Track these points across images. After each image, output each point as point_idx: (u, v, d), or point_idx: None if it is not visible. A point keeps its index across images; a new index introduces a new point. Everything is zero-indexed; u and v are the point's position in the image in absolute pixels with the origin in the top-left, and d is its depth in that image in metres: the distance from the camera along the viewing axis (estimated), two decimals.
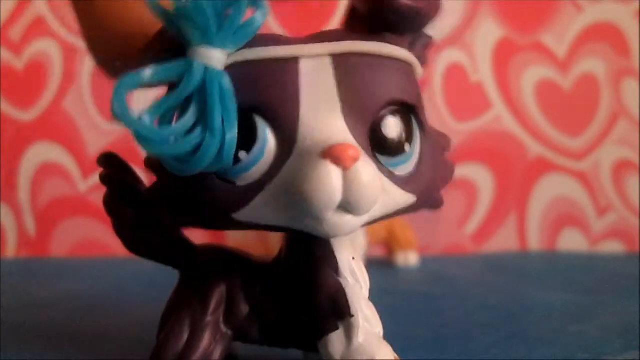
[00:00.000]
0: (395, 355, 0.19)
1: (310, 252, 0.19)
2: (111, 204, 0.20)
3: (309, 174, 0.16)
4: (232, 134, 0.16)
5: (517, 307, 0.33)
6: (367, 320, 0.19)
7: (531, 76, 0.53)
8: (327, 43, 0.17)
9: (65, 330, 0.29)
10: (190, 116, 0.16)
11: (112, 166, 0.20)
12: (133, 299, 0.35)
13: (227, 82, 0.16)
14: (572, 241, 0.54)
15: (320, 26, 0.50)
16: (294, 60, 0.17)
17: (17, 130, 0.51)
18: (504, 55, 0.53)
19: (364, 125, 0.17)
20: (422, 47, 0.20)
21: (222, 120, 0.16)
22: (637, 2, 0.53)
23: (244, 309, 0.20)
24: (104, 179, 0.20)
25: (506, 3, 0.53)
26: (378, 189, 0.16)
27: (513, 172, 0.54)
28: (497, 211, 0.54)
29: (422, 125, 0.19)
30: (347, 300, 0.18)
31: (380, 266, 0.46)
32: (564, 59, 0.53)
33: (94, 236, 0.52)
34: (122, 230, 0.20)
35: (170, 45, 0.16)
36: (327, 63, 0.17)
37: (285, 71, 0.17)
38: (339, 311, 0.18)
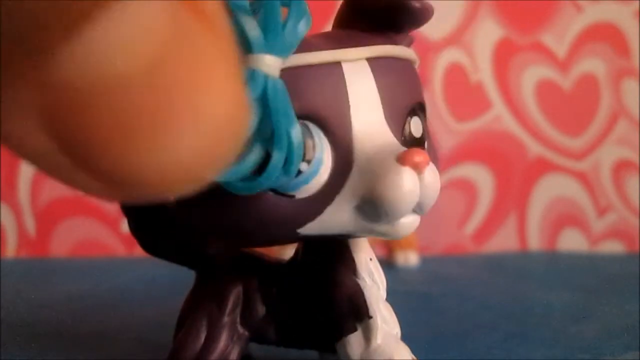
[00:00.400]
0: (413, 356, 0.19)
1: (327, 253, 0.19)
2: (126, 204, 0.19)
3: (392, 180, 0.15)
4: (298, 144, 0.15)
5: (517, 307, 0.33)
6: (385, 322, 0.19)
7: (531, 76, 0.53)
8: (362, 47, 0.17)
9: (65, 330, 0.29)
10: (257, 140, 0.14)
11: None
12: (133, 299, 0.35)
13: (284, 89, 0.15)
14: (572, 241, 0.54)
15: (321, 24, 0.50)
16: (338, 65, 0.16)
17: None
18: (504, 55, 0.53)
19: (399, 126, 0.17)
20: (409, 45, 0.20)
21: (287, 132, 0.15)
22: (637, 2, 0.53)
23: (261, 309, 0.20)
24: None
25: (506, 3, 0.53)
26: (439, 188, 0.17)
27: (513, 172, 0.54)
28: (497, 211, 0.54)
29: (426, 127, 0.19)
30: (365, 302, 0.18)
31: (380, 266, 0.46)
32: (564, 59, 0.53)
33: (94, 236, 0.52)
34: (138, 230, 0.20)
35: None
36: (365, 66, 0.17)
37: (332, 75, 0.16)
38: (357, 312, 0.18)
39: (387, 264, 0.46)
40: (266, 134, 0.14)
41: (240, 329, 0.20)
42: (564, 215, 0.54)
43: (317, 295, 0.19)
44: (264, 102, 0.14)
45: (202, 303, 0.20)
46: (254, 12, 0.14)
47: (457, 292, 0.37)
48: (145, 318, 0.30)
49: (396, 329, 0.19)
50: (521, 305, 0.33)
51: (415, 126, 0.18)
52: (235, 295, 0.20)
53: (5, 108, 0.08)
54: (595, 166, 0.54)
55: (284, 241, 0.18)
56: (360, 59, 0.17)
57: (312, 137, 0.16)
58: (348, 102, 0.16)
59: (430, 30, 0.52)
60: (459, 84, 0.53)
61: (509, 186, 0.54)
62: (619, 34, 0.53)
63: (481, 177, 0.53)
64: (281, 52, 0.15)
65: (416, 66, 0.19)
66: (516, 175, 0.54)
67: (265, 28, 0.14)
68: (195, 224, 0.17)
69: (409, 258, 0.46)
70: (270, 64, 0.14)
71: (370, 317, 0.18)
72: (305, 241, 0.19)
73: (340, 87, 0.16)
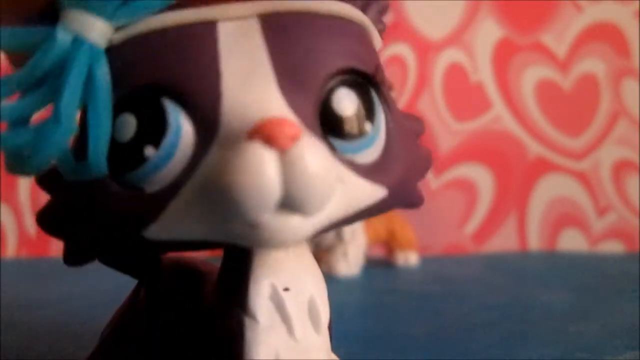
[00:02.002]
0: None
1: (225, 275, 0.14)
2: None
3: (234, 162, 0.11)
4: (100, 129, 0.12)
5: (517, 307, 0.33)
6: None
7: (531, 76, 0.53)
8: (251, 1, 0.13)
9: (65, 330, 0.29)
10: (36, 98, 0.12)
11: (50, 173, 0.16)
12: None
13: (102, 62, 0.12)
14: (572, 241, 0.54)
15: None
16: (210, 25, 0.13)
17: None
18: (504, 55, 0.53)
19: (309, 100, 0.13)
20: (378, 12, 0.16)
21: (87, 109, 0.12)
22: (637, 2, 0.53)
23: (172, 346, 0.15)
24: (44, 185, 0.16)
25: (506, 3, 0.53)
26: (330, 177, 0.12)
27: (513, 172, 0.54)
28: (497, 211, 0.54)
29: (386, 101, 0.14)
30: (242, 351, 0.13)
31: (380, 266, 0.46)
32: (564, 59, 0.53)
33: None
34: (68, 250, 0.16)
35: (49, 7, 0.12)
36: (254, 25, 0.13)
37: (198, 38, 0.13)
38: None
39: (387, 264, 0.46)
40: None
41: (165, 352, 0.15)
42: (564, 215, 0.54)
43: (192, 337, 0.14)
44: (61, 70, 0.12)
45: (130, 317, 0.17)
46: None
47: (457, 292, 0.37)
48: None
49: None
50: (521, 305, 0.33)
51: (345, 101, 0.13)
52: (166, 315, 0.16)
53: None
54: (595, 166, 0.54)
55: (139, 247, 0.13)
56: (246, 16, 0.13)
57: (163, 115, 0.12)
58: (218, 70, 0.12)
59: (430, 30, 0.52)
60: (459, 84, 0.53)
61: (509, 186, 0.54)
62: (619, 34, 0.53)
63: (481, 177, 0.53)
64: (115, 15, 0.12)
65: (373, 33, 0.15)
66: (516, 175, 0.54)
67: None
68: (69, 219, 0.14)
69: (409, 258, 0.46)
70: (86, 24, 0.12)
71: None
72: (224, 262, 0.15)
73: (210, 51, 0.13)
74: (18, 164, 0.12)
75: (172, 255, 0.16)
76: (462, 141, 0.53)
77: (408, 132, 0.15)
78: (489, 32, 0.53)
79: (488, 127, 0.53)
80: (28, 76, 0.12)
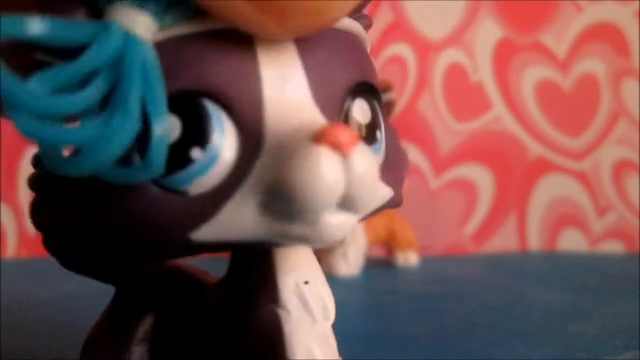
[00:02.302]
0: None
1: (247, 274, 0.15)
2: (38, 222, 0.16)
3: (302, 164, 0.12)
4: (161, 127, 0.12)
5: (517, 307, 0.33)
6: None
7: (531, 76, 0.53)
8: None
9: (65, 329, 0.28)
10: (92, 92, 0.11)
11: (41, 178, 0.16)
12: None
13: (153, 55, 0.12)
14: (572, 241, 0.54)
15: None
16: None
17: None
18: (504, 55, 0.53)
19: (337, 110, 0.14)
20: (366, 27, 0.17)
21: (145, 106, 0.12)
22: (637, 2, 0.53)
23: (173, 343, 0.16)
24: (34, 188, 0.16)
25: (506, 3, 0.53)
26: (376, 178, 0.13)
27: (513, 172, 0.54)
28: (497, 211, 0.54)
29: (382, 109, 0.16)
30: (283, 339, 0.14)
31: (380, 266, 0.46)
32: (564, 59, 0.53)
33: None
34: (48, 243, 0.17)
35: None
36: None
37: (239, 45, 0.13)
38: (272, 353, 0.14)
39: (387, 264, 0.46)
40: (115, 104, 0.11)
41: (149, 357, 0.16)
42: (564, 215, 0.54)
43: (228, 331, 0.15)
44: (116, 66, 0.12)
45: (109, 329, 0.17)
46: None
47: (457, 292, 0.37)
48: None
49: None
50: (521, 305, 0.33)
51: (361, 110, 0.15)
52: (147, 323, 0.16)
53: None
54: (595, 166, 0.54)
55: (175, 251, 0.14)
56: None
57: (207, 118, 0.12)
58: (259, 74, 0.13)
59: (430, 30, 0.52)
60: (459, 84, 0.53)
61: (509, 186, 0.54)
62: (619, 34, 0.53)
63: (481, 177, 0.53)
64: (162, 14, 0.12)
65: (367, 46, 0.17)
66: (516, 175, 0.54)
67: None
68: (74, 237, 0.14)
69: (409, 258, 0.46)
70: (137, 20, 0.12)
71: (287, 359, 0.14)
72: (232, 262, 0.16)
73: (250, 58, 0.13)
74: (74, 162, 0.11)
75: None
76: (462, 141, 0.53)
77: (394, 135, 0.16)
78: (489, 32, 0.53)
79: (488, 127, 0.53)
80: (83, 68, 0.11)
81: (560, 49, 0.53)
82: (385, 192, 0.15)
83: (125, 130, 0.11)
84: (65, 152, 0.12)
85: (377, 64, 0.51)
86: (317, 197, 0.12)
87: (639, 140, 0.54)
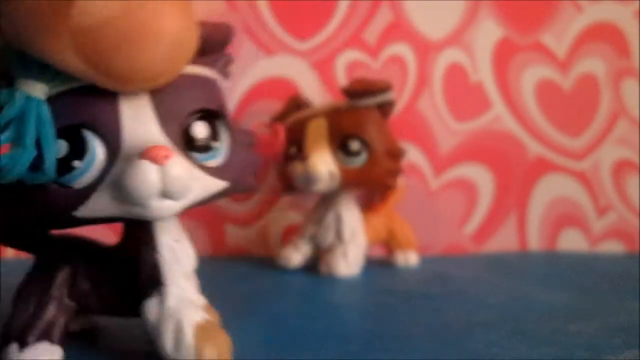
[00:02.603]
0: (207, 316, 0.23)
1: (136, 236, 0.24)
2: None
3: (132, 172, 0.20)
4: (50, 151, 0.20)
5: (517, 307, 0.33)
6: (183, 290, 0.23)
7: (531, 76, 0.53)
8: None
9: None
10: (8, 135, 0.19)
11: None
12: None
13: (45, 109, 0.20)
14: (572, 241, 0.54)
15: (322, 23, 0.50)
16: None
17: None
18: (504, 55, 0.53)
19: (176, 130, 0.22)
20: (224, 65, 0.25)
21: (40, 140, 0.19)
22: (637, 2, 0.53)
23: (85, 285, 0.24)
24: None
25: (506, 3, 0.53)
26: (188, 179, 0.21)
27: (513, 172, 0.54)
28: (497, 211, 0.54)
29: (229, 127, 0.24)
30: (160, 273, 0.23)
31: (380, 266, 0.46)
32: (564, 59, 0.53)
33: (92, 236, 0.52)
34: None
35: (4, 74, 0.20)
36: None
37: (106, 94, 0.21)
38: (154, 282, 0.23)
39: (387, 264, 0.46)
40: (20, 140, 0.19)
41: (67, 301, 0.24)
42: (564, 215, 0.54)
43: (127, 272, 0.24)
44: (21, 117, 0.19)
45: (34, 281, 0.24)
46: None
47: (457, 292, 0.37)
48: None
49: (195, 296, 0.24)
50: (521, 304, 0.34)
51: (199, 130, 0.22)
52: (63, 274, 0.24)
53: (50, 43, 0.18)
54: (595, 166, 0.54)
55: (67, 223, 0.22)
56: None
57: (85, 141, 0.20)
58: (119, 112, 0.21)
59: (430, 30, 0.52)
60: (459, 83, 0.53)
61: (509, 186, 0.54)
62: (619, 34, 0.53)
63: (481, 177, 0.53)
64: (50, 79, 0.20)
65: (219, 80, 0.24)
66: (516, 175, 0.54)
67: (34, 61, 0.20)
68: (8, 216, 0.22)
69: (409, 258, 0.46)
70: (33, 87, 0.20)
71: (164, 285, 0.23)
72: (125, 230, 0.25)
73: (114, 101, 0.21)
74: (29, 180, 0.20)
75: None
76: (462, 141, 0.53)
77: (243, 144, 0.25)
78: (489, 32, 0.53)
79: (488, 127, 0.53)
80: (2, 120, 0.19)
81: (560, 49, 0.53)
82: (209, 185, 0.22)
83: (23, 159, 0.19)
84: None
85: (377, 64, 0.51)
86: (141, 191, 0.20)
87: (639, 140, 0.54)
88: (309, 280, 0.41)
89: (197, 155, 0.22)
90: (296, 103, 0.44)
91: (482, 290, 0.37)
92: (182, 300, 0.23)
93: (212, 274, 0.32)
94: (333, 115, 0.42)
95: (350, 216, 0.43)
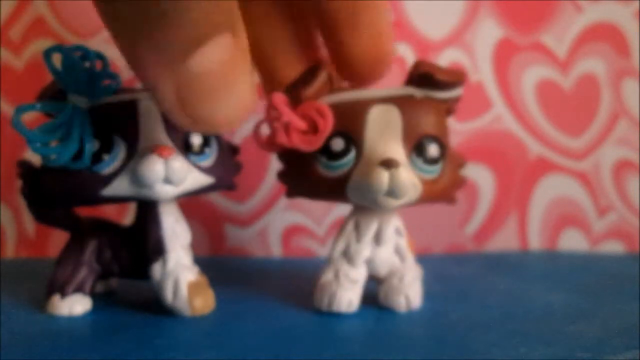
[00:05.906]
0: (198, 277, 0.31)
1: (145, 217, 0.31)
2: (26, 192, 0.31)
3: (144, 163, 0.27)
4: (89, 147, 0.28)
5: (517, 307, 0.33)
6: (180, 257, 0.31)
7: (531, 76, 0.53)
8: (144, 92, 0.30)
9: (64, 329, 0.28)
10: (59, 134, 0.27)
11: (27, 167, 0.31)
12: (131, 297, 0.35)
13: (86, 117, 0.28)
14: (572, 241, 0.54)
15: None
16: (134, 102, 0.29)
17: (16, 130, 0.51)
18: (504, 55, 0.53)
19: (178, 137, 0.29)
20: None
21: (82, 138, 0.27)
22: (637, 2, 0.53)
23: (108, 254, 0.32)
24: (23, 176, 0.32)
25: (506, 3, 0.53)
26: (185, 172, 0.28)
27: (514, 172, 0.54)
28: (498, 211, 0.54)
29: (218, 137, 0.31)
30: (163, 245, 0.31)
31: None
32: (564, 59, 0.53)
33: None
34: (32, 207, 0.32)
35: (60, 90, 0.28)
36: (148, 99, 0.29)
37: (128, 109, 0.29)
38: (158, 251, 0.31)
39: None
40: (67, 138, 0.27)
41: (95, 265, 0.32)
42: (565, 215, 0.54)
43: (139, 244, 0.31)
44: (69, 122, 0.27)
45: (71, 249, 0.32)
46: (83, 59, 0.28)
47: (457, 292, 0.37)
48: (143, 316, 0.30)
49: (192, 265, 0.31)
50: (521, 304, 0.33)
51: (194, 139, 0.30)
52: (92, 245, 0.32)
53: (157, 81, 0.20)
54: (595, 166, 0.54)
55: (96, 200, 0.29)
56: (148, 98, 0.29)
57: (113, 142, 0.28)
58: (138, 124, 0.29)
59: (430, 30, 0.52)
60: None
61: (510, 186, 0.54)
62: (619, 34, 0.53)
63: (482, 177, 0.53)
64: (91, 95, 0.28)
65: None
66: (517, 175, 0.54)
67: (82, 82, 0.28)
68: (53, 191, 0.29)
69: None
70: (79, 101, 0.28)
71: (166, 251, 0.30)
72: (137, 212, 0.32)
73: (136, 115, 0.29)
74: (52, 160, 0.28)
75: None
76: (463, 141, 0.53)
77: (228, 152, 0.33)
78: (489, 32, 0.53)
79: (488, 127, 0.53)
80: (54, 125, 0.27)
81: (561, 49, 0.53)
82: (199, 179, 0.30)
83: (68, 151, 0.27)
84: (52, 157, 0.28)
85: None
86: (150, 177, 0.28)
87: (639, 140, 0.54)
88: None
89: (192, 157, 0.30)
90: (328, 76, 0.30)
91: (482, 290, 0.37)
92: (180, 264, 0.30)
93: (212, 274, 0.32)
94: (406, 105, 0.30)
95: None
